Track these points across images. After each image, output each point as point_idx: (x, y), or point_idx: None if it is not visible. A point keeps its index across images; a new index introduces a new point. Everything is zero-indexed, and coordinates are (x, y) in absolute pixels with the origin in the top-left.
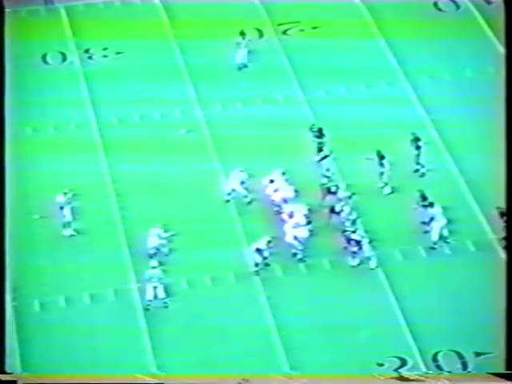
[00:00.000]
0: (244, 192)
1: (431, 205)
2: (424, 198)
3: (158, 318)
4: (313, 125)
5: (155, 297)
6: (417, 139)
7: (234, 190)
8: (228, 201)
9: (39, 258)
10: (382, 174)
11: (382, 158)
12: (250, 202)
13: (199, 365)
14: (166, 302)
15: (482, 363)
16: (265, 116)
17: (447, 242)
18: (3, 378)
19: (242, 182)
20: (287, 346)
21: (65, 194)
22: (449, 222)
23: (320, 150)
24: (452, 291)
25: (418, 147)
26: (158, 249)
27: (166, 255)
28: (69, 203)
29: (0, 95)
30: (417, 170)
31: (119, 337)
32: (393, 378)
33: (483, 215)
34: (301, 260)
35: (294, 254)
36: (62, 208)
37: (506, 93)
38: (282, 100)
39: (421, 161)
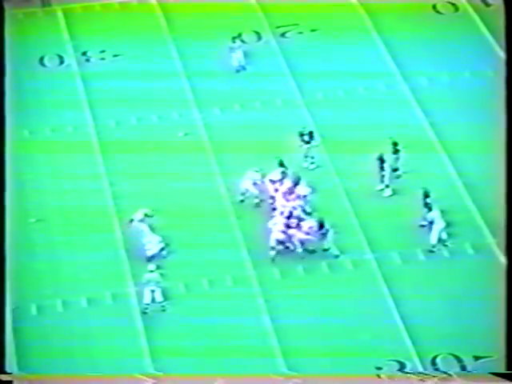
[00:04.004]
0: (256, 192)
1: (429, 209)
2: (426, 196)
3: (156, 322)
4: (303, 128)
5: (153, 300)
6: (395, 144)
7: (247, 190)
8: (242, 201)
9: (36, 261)
10: (382, 176)
11: (382, 161)
12: (258, 204)
13: (196, 368)
14: (163, 306)
15: (480, 367)
16: (263, 118)
17: (446, 246)
18: (3, 379)
19: (255, 183)
20: (285, 349)
21: (146, 215)
22: (447, 225)
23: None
24: (451, 294)
25: (397, 151)
26: (154, 254)
27: (164, 257)
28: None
29: (0, 98)
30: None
31: (117, 340)
32: (393, 377)
33: (482, 218)
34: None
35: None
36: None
37: (505, 95)
38: (280, 103)
39: (398, 164)
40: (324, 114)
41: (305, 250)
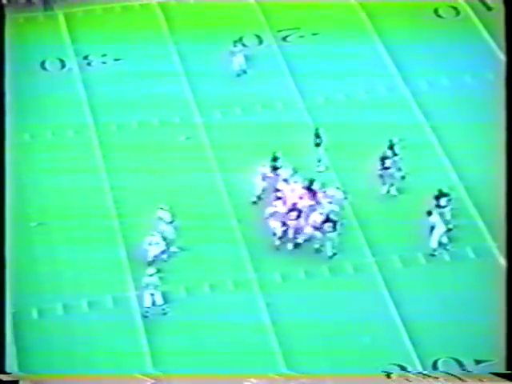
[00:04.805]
0: (259, 192)
1: (430, 213)
2: (437, 198)
3: (157, 325)
4: (316, 128)
5: (153, 303)
6: (396, 146)
7: (262, 189)
8: (257, 198)
9: (37, 264)
10: (384, 178)
11: (383, 164)
12: (254, 202)
13: (197, 369)
14: (164, 309)
15: (481, 371)
16: (264, 122)
17: (447, 249)
18: (4, 378)
19: (263, 178)
20: (286, 352)
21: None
22: (448, 228)
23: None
24: (452, 298)
25: (398, 153)
26: (156, 255)
27: (165, 261)
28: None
29: (0, 101)
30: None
31: (117, 344)
32: (396, 377)
33: (483, 222)
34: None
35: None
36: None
37: (505, 98)
38: (281, 106)
39: (400, 167)
40: (325, 118)
41: (296, 245)
